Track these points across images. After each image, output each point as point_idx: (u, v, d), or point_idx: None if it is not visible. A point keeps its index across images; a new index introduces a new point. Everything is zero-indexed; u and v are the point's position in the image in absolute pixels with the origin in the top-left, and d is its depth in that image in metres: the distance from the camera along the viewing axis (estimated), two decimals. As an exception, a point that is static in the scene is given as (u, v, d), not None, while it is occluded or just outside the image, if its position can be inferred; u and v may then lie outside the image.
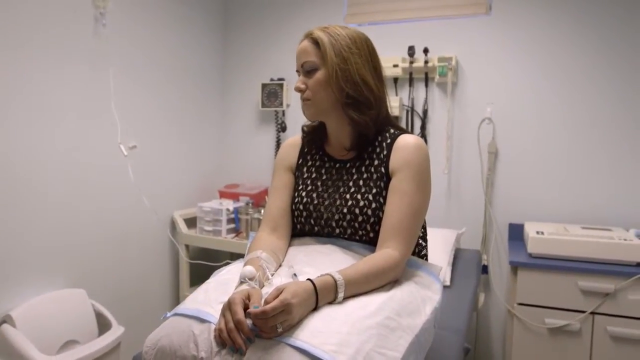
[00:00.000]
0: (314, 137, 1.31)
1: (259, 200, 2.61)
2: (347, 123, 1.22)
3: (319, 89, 1.18)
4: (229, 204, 2.51)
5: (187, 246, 2.55)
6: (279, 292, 0.90)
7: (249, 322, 0.88)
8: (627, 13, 2.10)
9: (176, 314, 0.98)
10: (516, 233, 2.28)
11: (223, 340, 0.88)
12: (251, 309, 0.87)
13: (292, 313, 0.88)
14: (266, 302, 0.89)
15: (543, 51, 2.24)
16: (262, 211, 2.45)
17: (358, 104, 1.18)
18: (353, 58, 1.16)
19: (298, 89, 1.21)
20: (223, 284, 1.06)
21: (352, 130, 1.23)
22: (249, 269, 1.01)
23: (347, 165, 1.25)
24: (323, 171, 1.28)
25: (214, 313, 0.94)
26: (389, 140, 1.21)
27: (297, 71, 1.24)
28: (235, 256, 2.61)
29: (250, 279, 0.99)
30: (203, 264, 2.55)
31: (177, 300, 2.61)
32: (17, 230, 1.78)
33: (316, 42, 1.18)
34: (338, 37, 1.17)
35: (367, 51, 1.20)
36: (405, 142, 1.19)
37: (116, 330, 1.89)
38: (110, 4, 2.05)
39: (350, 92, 1.16)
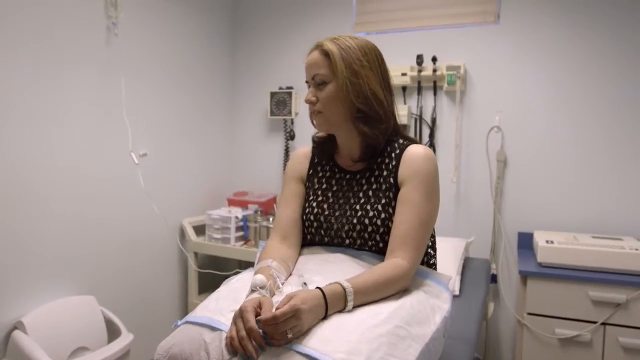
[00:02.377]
0: (325, 148, 1.32)
1: (267, 208, 2.62)
2: (356, 135, 1.22)
3: (330, 102, 1.18)
4: (238, 212, 2.53)
5: (195, 254, 2.56)
6: (289, 299, 0.91)
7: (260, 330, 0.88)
8: (637, 22, 2.10)
9: (187, 322, 0.99)
10: (525, 242, 2.26)
11: (234, 348, 0.88)
12: (262, 317, 0.88)
13: (301, 319, 0.88)
14: (276, 309, 0.90)
15: (551, 59, 2.24)
16: (271, 219, 2.46)
17: (369, 118, 1.18)
18: (364, 71, 1.16)
19: (309, 101, 1.21)
20: (234, 293, 1.06)
21: (362, 142, 1.23)
22: (260, 277, 1.02)
23: (357, 176, 1.26)
24: (333, 182, 1.28)
25: (225, 321, 0.95)
26: (397, 151, 1.22)
27: (307, 82, 1.24)
28: (244, 264, 2.62)
29: (262, 288, 0.99)
30: (211, 272, 2.56)
31: (185, 307, 2.62)
32: (28, 238, 1.80)
33: (327, 54, 1.17)
34: (349, 49, 1.17)
35: (377, 63, 1.20)
36: (414, 152, 1.19)
37: (125, 338, 1.90)
38: (122, 14, 2.09)
39: (361, 107, 1.17)
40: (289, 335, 0.87)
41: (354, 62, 1.16)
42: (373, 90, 1.17)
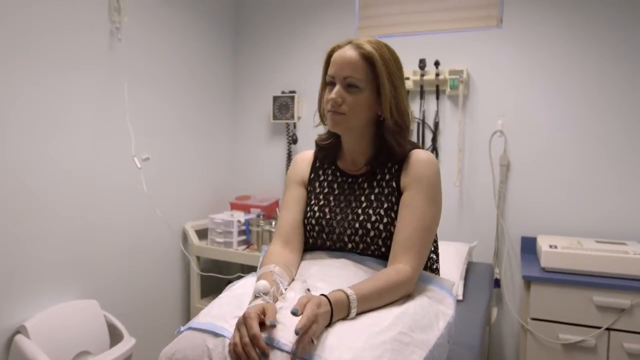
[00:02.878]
0: (328, 152, 1.32)
1: (270, 212, 2.62)
2: (368, 140, 1.22)
3: (360, 110, 1.16)
4: (240, 216, 2.53)
5: (198, 257, 2.56)
6: (307, 300, 0.91)
7: (264, 335, 0.88)
8: (640, 26, 2.10)
9: (190, 328, 0.98)
10: (529, 246, 2.26)
11: (238, 354, 0.87)
12: (267, 323, 0.88)
13: (319, 323, 0.89)
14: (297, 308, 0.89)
15: (554, 64, 2.24)
16: (273, 223, 2.46)
17: (401, 131, 1.19)
18: (400, 84, 1.17)
19: (334, 102, 1.15)
20: (237, 298, 1.06)
21: (373, 148, 1.23)
22: (263, 283, 1.01)
23: (359, 180, 1.25)
24: (335, 186, 1.28)
25: (228, 327, 0.95)
26: (400, 156, 1.22)
27: (332, 77, 1.17)
28: (246, 268, 2.62)
29: (265, 294, 0.99)
30: (213, 276, 2.56)
31: (187, 311, 2.62)
32: (31, 242, 1.80)
33: (367, 59, 1.14)
34: (389, 60, 1.15)
35: (403, 72, 1.21)
36: (417, 157, 1.19)
37: (128, 342, 1.90)
38: (125, 18, 2.10)
39: (398, 120, 1.17)
40: (314, 342, 0.88)
41: (394, 76, 1.15)
42: (406, 104, 1.18)
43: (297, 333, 0.85)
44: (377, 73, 1.14)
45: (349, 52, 1.15)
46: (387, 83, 1.14)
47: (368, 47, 1.14)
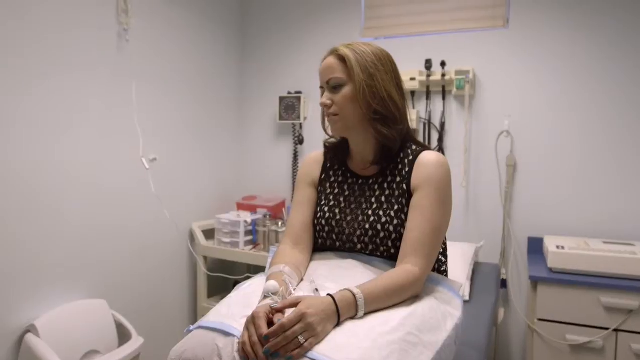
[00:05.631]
0: (337, 153, 1.32)
1: (276, 212, 2.63)
2: (371, 138, 1.23)
3: (346, 104, 1.19)
4: (247, 216, 2.54)
5: (205, 258, 2.57)
6: (295, 303, 0.93)
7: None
8: (648, 26, 2.09)
9: (200, 327, 0.99)
10: (535, 247, 2.25)
11: (247, 353, 0.88)
12: (270, 330, 0.89)
13: (308, 322, 0.89)
14: (277, 310, 0.94)
15: (561, 64, 2.23)
16: (280, 223, 2.47)
17: (385, 119, 1.19)
18: (379, 74, 1.18)
19: (324, 105, 1.22)
20: (246, 298, 1.07)
21: (377, 145, 1.24)
22: (273, 283, 1.02)
23: (370, 181, 1.26)
24: (345, 187, 1.29)
25: (237, 326, 0.96)
26: (410, 157, 1.22)
27: (322, 87, 1.24)
28: (253, 268, 2.63)
29: (274, 294, 1.00)
30: (220, 276, 2.57)
31: (195, 311, 2.63)
32: (40, 242, 1.82)
33: (342, 59, 1.19)
34: (364, 54, 1.19)
35: (390, 68, 1.22)
36: (427, 159, 1.20)
37: (136, 341, 1.91)
38: (133, 20, 2.12)
39: (377, 108, 1.18)
40: (302, 341, 0.88)
41: (369, 65, 1.17)
42: (389, 92, 1.19)
43: (265, 337, 0.88)
44: (348, 66, 1.17)
45: (328, 60, 1.22)
46: (361, 73, 1.16)
47: (342, 49, 1.20)
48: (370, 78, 1.17)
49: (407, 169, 1.21)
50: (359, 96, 1.17)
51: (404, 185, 1.20)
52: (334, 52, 1.22)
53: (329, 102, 1.21)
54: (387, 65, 1.21)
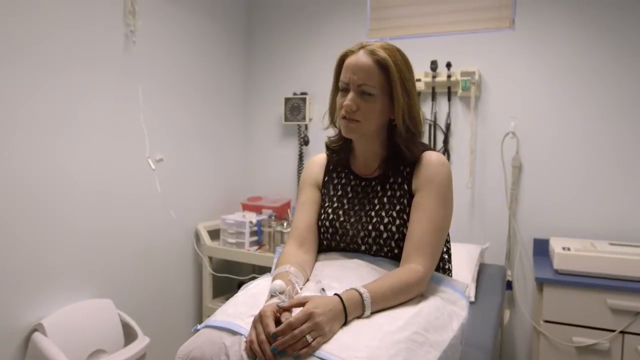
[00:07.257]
0: (340, 155, 1.33)
1: (281, 213, 2.64)
2: (379, 144, 1.23)
3: (374, 116, 1.16)
4: (252, 217, 2.54)
5: (210, 258, 2.58)
6: (302, 302, 0.93)
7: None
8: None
9: (207, 326, 1.00)
10: (541, 248, 2.25)
11: (254, 352, 0.89)
12: (278, 328, 0.89)
13: (316, 322, 0.89)
14: (284, 309, 0.94)
15: (566, 65, 2.23)
16: (285, 224, 2.48)
17: (414, 137, 1.20)
18: (413, 89, 1.17)
19: (349, 109, 1.14)
20: (252, 298, 1.07)
21: (384, 151, 1.24)
22: (279, 283, 1.03)
23: (372, 183, 1.26)
24: (349, 189, 1.29)
25: (244, 325, 0.96)
26: (411, 158, 1.22)
27: (345, 83, 1.16)
28: (258, 268, 2.63)
29: (281, 293, 1.01)
30: (226, 276, 2.58)
31: (200, 311, 2.64)
32: (47, 242, 1.84)
33: (381, 65, 1.13)
34: (402, 66, 1.15)
35: (414, 76, 1.20)
36: (428, 159, 1.20)
37: (142, 341, 1.92)
38: (140, 22, 2.13)
39: (410, 127, 1.18)
40: (309, 340, 0.88)
41: (407, 81, 1.15)
42: (418, 110, 1.18)
43: (273, 335, 0.88)
44: (391, 80, 1.14)
45: (363, 59, 1.14)
46: (401, 90, 1.14)
47: (382, 53, 1.13)
48: (406, 95, 1.15)
49: (408, 169, 1.22)
50: (398, 116, 1.14)
51: (406, 186, 1.21)
52: (372, 54, 1.13)
53: (354, 106, 1.14)
54: (413, 75, 1.19)
